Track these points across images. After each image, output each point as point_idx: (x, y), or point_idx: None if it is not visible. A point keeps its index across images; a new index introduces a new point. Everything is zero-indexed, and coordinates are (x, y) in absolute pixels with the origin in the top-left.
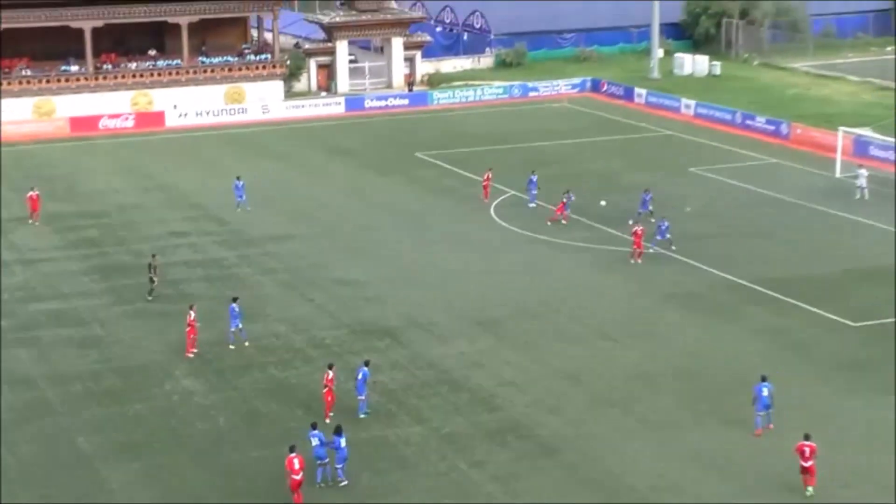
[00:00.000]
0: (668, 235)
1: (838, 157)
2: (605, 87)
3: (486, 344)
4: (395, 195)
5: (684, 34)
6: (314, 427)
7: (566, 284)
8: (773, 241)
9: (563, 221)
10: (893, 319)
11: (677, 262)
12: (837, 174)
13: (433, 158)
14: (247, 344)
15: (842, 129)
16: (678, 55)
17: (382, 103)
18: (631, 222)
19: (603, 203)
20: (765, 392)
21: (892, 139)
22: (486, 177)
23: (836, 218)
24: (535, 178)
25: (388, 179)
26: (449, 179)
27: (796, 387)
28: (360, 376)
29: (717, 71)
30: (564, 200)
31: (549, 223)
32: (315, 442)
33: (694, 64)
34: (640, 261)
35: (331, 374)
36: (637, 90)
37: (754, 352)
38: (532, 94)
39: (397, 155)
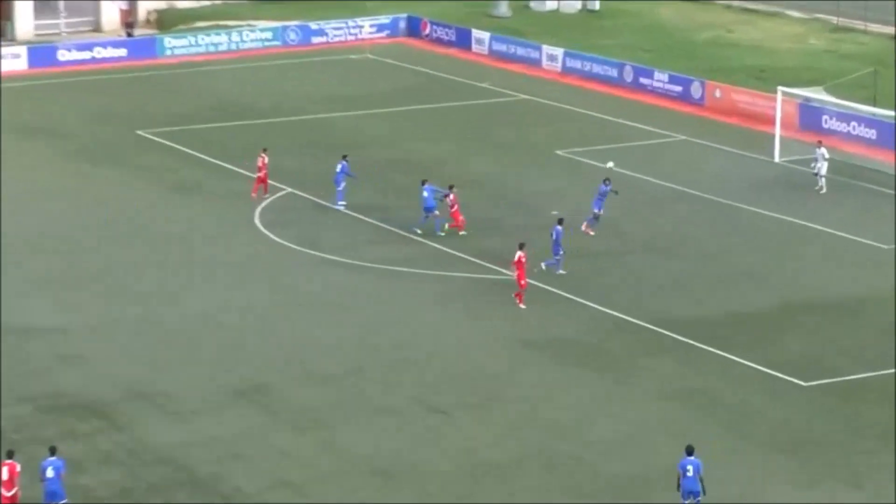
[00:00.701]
0: (560, 253)
1: (777, 131)
2: (427, 30)
3: (249, 423)
4: (110, 196)
5: None
6: None
7: (375, 328)
8: (685, 261)
9: (462, 232)
10: (858, 376)
11: (550, 293)
12: (776, 157)
13: (165, 138)
14: None
15: (781, 89)
16: None
17: (86, 55)
18: (586, 226)
19: (611, 165)
20: (690, 471)
21: (856, 105)
22: (260, 162)
23: (777, 223)
24: (345, 166)
25: (99, 172)
26: (190, 169)
27: (722, 472)
28: (49, 474)
29: (596, 5)
30: (451, 199)
31: (442, 232)
32: None
33: None
34: (522, 305)
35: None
36: (476, 34)
37: (657, 425)
38: (317, 40)
39: (112, 135)
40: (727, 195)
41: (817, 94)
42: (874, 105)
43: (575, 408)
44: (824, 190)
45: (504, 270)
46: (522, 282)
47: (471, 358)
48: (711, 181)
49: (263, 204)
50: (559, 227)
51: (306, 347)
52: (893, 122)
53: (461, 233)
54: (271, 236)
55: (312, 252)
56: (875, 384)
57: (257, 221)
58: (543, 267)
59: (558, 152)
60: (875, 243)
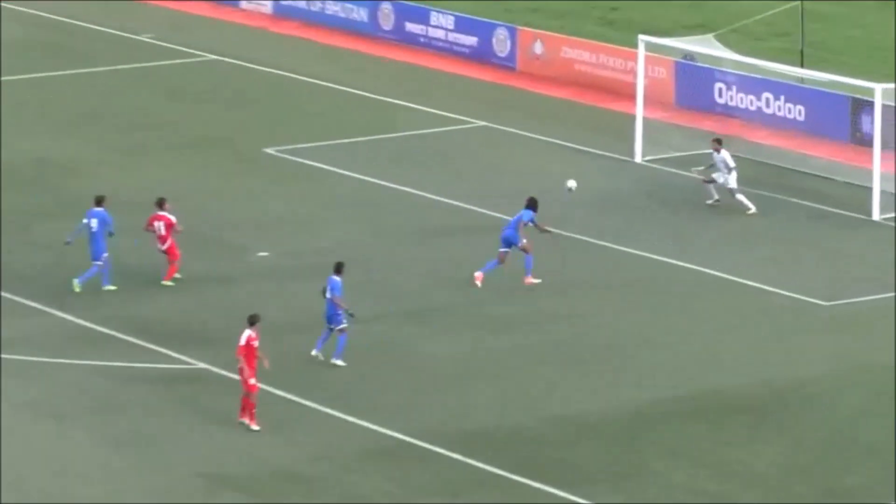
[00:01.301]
0: (340, 324)
1: (639, 111)
2: None
3: None
4: None
5: None
6: None
7: None
8: (453, 338)
9: (168, 281)
10: None
11: (304, 408)
12: (638, 155)
13: None
14: None
15: (644, 39)
16: None
17: None
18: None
19: (572, 185)
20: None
21: (771, 65)
22: None
23: (643, 267)
24: None
25: None
26: None
27: None
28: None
29: None
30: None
31: (114, 286)
32: None
33: None
34: (254, 426)
35: None
36: None
37: None
38: None
39: None
40: (557, 220)
41: (706, 48)
42: (801, 65)
43: None
44: (752, 210)
45: (191, 360)
46: (251, 382)
47: None
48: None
49: None
50: (336, 279)
51: None
52: (833, 91)
53: (167, 282)
54: None
55: None
56: None
57: None
58: (316, 354)
59: (269, 151)
60: (807, 298)
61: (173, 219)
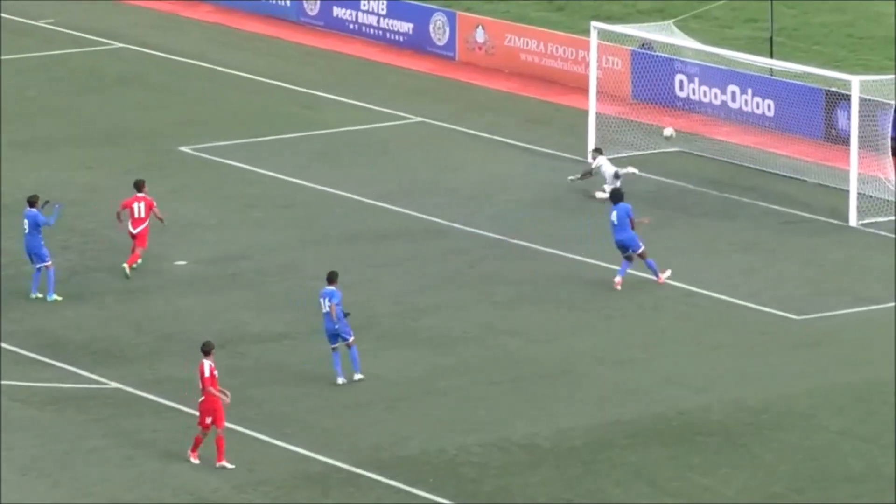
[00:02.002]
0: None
1: (591, 106)
2: None
3: None
4: None
5: None
6: None
7: None
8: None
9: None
10: None
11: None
12: (590, 155)
13: None
14: None
15: (597, 26)
16: None
17: None
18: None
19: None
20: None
21: (737, 55)
22: None
23: (593, 272)
24: None
25: None
26: None
27: None
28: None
29: None
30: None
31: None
32: None
33: None
34: (195, 459)
35: None
36: None
37: None
38: None
39: None
40: (499, 226)
41: (665, 36)
42: (771, 55)
43: None
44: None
45: (103, 379)
46: (207, 421)
47: None
48: (476, 204)
49: None
50: (333, 290)
51: None
52: (806, 83)
53: (127, 268)
54: None
55: None
56: None
57: None
58: (342, 381)
59: (184, 149)
60: (777, 311)
61: (153, 201)
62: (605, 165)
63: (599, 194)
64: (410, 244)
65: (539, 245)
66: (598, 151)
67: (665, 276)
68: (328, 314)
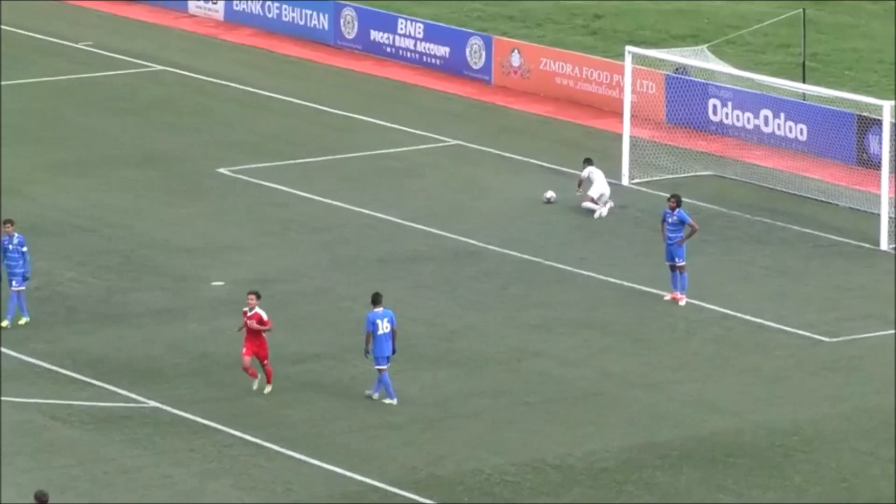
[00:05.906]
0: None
1: (625, 129)
2: None
3: None
4: None
5: None
6: None
7: None
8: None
9: None
10: None
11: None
12: (625, 178)
13: None
14: None
15: (631, 51)
16: None
17: None
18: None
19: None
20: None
21: (770, 80)
22: None
23: (626, 295)
24: None
25: None
26: None
27: None
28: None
29: None
30: None
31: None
32: None
33: None
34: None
35: None
36: None
37: None
38: None
39: None
40: (534, 248)
41: (699, 60)
42: (803, 80)
43: None
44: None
45: (141, 398)
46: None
47: None
48: (509, 226)
49: None
50: (389, 312)
51: None
52: (838, 108)
53: None
54: None
55: None
56: None
57: None
58: (372, 395)
59: (222, 170)
60: (808, 334)
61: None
62: (594, 174)
63: (587, 204)
64: (444, 266)
65: (571, 267)
66: (588, 161)
67: (683, 298)
68: (385, 336)
